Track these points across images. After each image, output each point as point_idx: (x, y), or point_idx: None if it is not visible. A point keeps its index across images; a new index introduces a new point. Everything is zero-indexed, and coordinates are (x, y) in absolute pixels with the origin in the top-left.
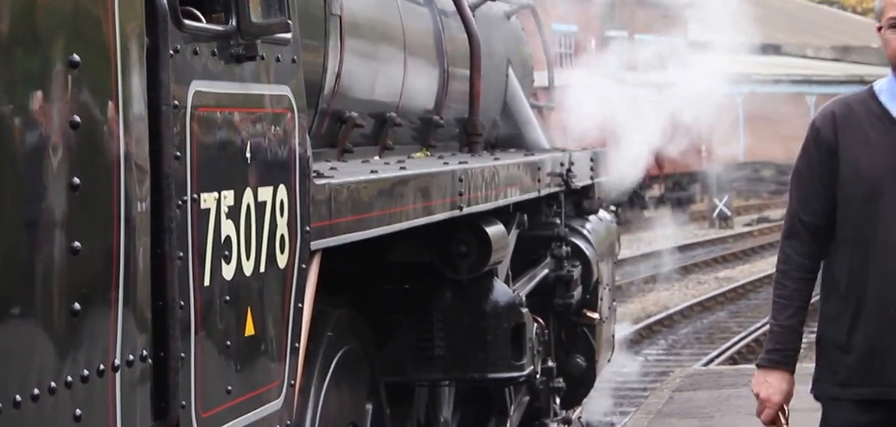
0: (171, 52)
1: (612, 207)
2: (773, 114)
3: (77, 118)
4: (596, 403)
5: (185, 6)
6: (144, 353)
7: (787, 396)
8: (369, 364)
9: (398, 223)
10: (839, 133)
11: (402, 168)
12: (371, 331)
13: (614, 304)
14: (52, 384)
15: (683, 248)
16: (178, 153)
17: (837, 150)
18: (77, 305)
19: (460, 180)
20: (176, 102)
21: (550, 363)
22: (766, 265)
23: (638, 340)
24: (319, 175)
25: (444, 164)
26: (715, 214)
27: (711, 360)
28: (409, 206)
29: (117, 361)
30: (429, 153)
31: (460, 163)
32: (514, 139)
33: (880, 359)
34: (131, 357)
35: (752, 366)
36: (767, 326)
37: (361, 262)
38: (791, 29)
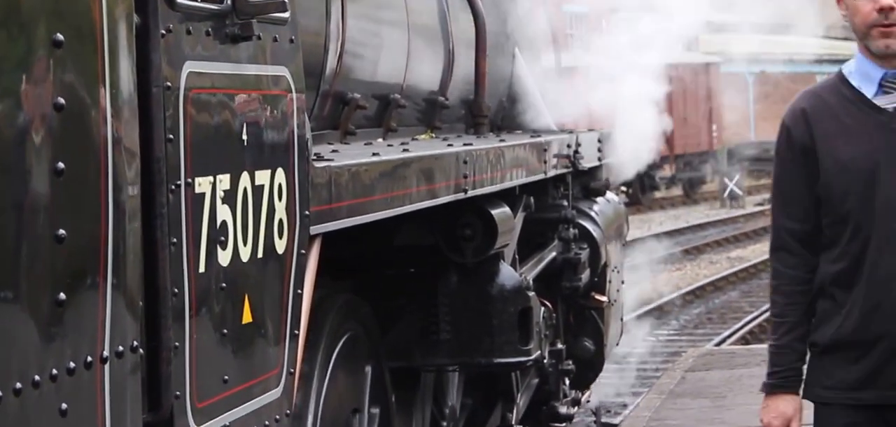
0: (163, 31)
1: (623, 188)
2: (785, 93)
3: (61, 100)
4: (607, 384)
5: None
6: (135, 343)
7: (789, 420)
8: (374, 350)
9: (401, 207)
10: (813, 129)
11: (405, 150)
12: (375, 316)
13: (623, 285)
14: (36, 377)
15: (695, 228)
16: (171, 136)
17: (814, 147)
18: (62, 295)
19: (465, 162)
20: (168, 84)
21: (560, 345)
22: None
23: (649, 320)
24: (319, 158)
25: (449, 145)
26: (726, 194)
27: (723, 340)
28: (412, 189)
29: (106, 353)
30: (434, 135)
31: (465, 145)
32: (520, 121)
33: (879, 361)
34: (121, 348)
35: (766, 345)
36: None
37: (365, 246)
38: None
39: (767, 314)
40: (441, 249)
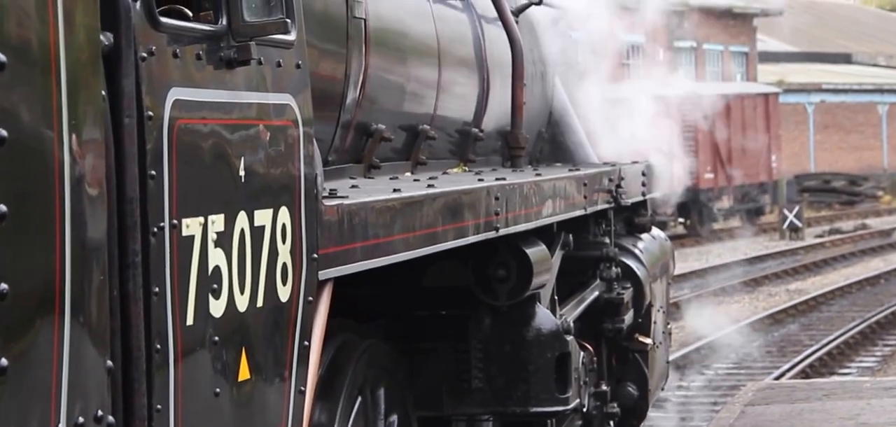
0: (144, 54)
1: (680, 219)
2: (845, 123)
3: (3, 131)
4: (664, 419)
5: (173, 3)
6: (100, 412)
7: None
8: (400, 398)
9: (424, 248)
10: None
11: (430, 185)
12: (403, 361)
13: (669, 327)
14: None
15: (753, 260)
16: (153, 173)
17: None
18: (4, 361)
19: (496, 198)
20: (149, 114)
21: (604, 387)
22: (839, 277)
23: (708, 354)
24: (332, 194)
25: (479, 180)
26: (785, 226)
27: (783, 374)
28: (437, 227)
29: (62, 426)
30: (467, 168)
31: (497, 179)
32: (560, 153)
33: None
34: (82, 419)
35: (827, 379)
36: (840, 339)
37: (393, 287)
38: (862, 38)
39: (828, 348)
40: (473, 291)
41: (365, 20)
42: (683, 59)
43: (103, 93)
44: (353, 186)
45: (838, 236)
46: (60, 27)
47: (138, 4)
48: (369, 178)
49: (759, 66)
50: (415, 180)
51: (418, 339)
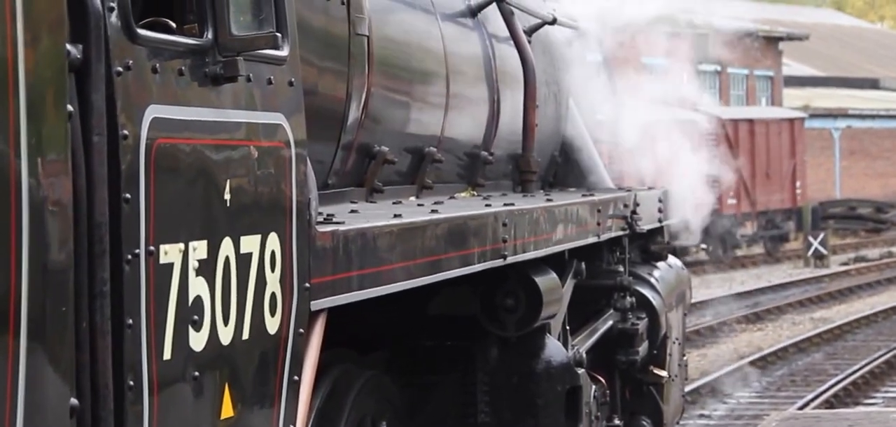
0: (119, 68)
1: (702, 245)
2: (872, 149)
3: None
4: None
5: (159, 16)
6: None
7: None
8: None
9: (426, 276)
10: None
11: (433, 211)
12: (406, 393)
13: (685, 359)
14: None
15: (777, 288)
16: (128, 196)
17: None
18: None
19: (504, 224)
20: (125, 132)
21: (617, 421)
22: (864, 306)
23: (730, 383)
24: (328, 220)
25: (486, 205)
26: (810, 253)
27: (807, 404)
28: (440, 254)
29: None
30: (475, 193)
31: (506, 204)
32: (574, 178)
33: None
34: None
35: (852, 409)
36: (866, 368)
37: (397, 316)
38: (890, 62)
39: (853, 377)
40: (480, 321)
41: (368, 37)
42: (707, 82)
43: (71, 109)
44: (352, 211)
45: (864, 264)
46: (19, 38)
47: (114, 15)
48: (371, 202)
49: (784, 91)
50: (418, 205)
51: (422, 371)
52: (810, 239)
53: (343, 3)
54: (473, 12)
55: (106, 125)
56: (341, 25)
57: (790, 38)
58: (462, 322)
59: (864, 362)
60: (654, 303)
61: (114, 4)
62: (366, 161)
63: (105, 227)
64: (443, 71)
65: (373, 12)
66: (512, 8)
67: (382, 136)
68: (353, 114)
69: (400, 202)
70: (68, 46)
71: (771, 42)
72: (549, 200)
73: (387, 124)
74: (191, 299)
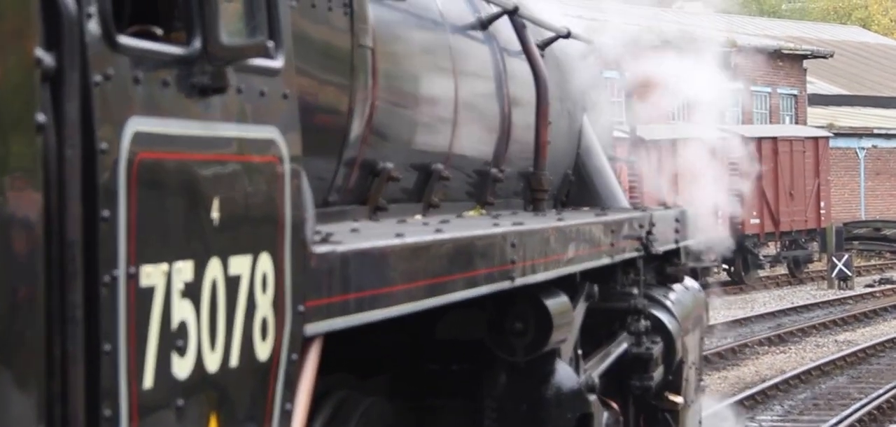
0: (98, 78)
1: (724, 265)
2: None
3: None
4: None
5: (146, 23)
6: None
7: None
8: None
9: (429, 299)
10: None
11: (438, 230)
12: (410, 420)
13: (702, 384)
14: None
15: (800, 309)
16: (106, 213)
17: None
18: None
19: (512, 245)
20: (103, 145)
21: None
22: (889, 328)
23: (753, 406)
24: (325, 239)
25: (494, 224)
26: (834, 274)
27: None
28: (445, 276)
29: None
30: (484, 211)
31: (515, 223)
32: (588, 197)
33: None
34: None
35: None
36: (891, 393)
37: (401, 339)
38: None
39: (878, 401)
40: (487, 345)
41: (372, 49)
42: (730, 100)
43: (43, 119)
44: (352, 230)
45: (889, 286)
46: None
47: (93, 22)
48: (374, 220)
49: (808, 109)
50: (423, 224)
51: (427, 396)
52: (834, 260)
53: (346, 14)
54: (484, 25)
55: (82, 138)
56: (344, 36)
57: (815, 55)
58: (469, 346)
59: (889, 386)
60: (670, 326)
61: (92, 11)
62: (369, 178)
63: (78, 246)
64: (451, 85)
65: (378, 23)
66: (524, 21)
67: (387, 152)
68: (356, 129)
69: (404, 221)
70: (40, 53)
71: (795, 59)
72: (559, 220)
73: (392, 140)
74: (175, 323)
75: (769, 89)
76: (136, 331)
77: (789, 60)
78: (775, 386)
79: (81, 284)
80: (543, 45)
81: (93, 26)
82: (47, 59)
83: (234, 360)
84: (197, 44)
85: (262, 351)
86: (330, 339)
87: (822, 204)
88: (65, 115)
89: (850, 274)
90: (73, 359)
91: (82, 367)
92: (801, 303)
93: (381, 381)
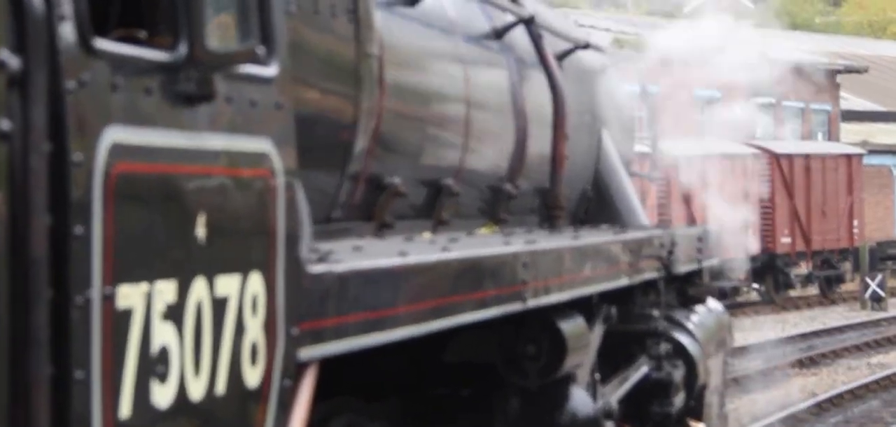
0: (72, 85)
1: (755, 286)
2: None
3: None
4: None
5: (131, 27)
6: None
7: None
8: None
9: (435, 321)
10: None
11: (445, 249)
12: None
13: (725, 410)
14: None
15: (832, 331)
16: (79, 230)
17: None
18: None
19: (524, 265)
20: (76, 156)
21: None
22: None
23: None
24: (324, 258)
25: (505, 243)
26: (867, 295)
27: None
28: (452, 297)
29: None
30: (497, 229)
31: (527, 242)
32: (607, 214)
33: None
34: None
35: None
36: None
37: (409, 362)
38: None
39: None
40: (499, 369)
41: (379, 59)
42: (761, 116)
43: (7, 127)
44: (355, 248)
45: None
46: None
47: (66, 24)
48: (379, 238)
49: (842, 125)
50: (430, 242)
51: (435, 422)
52: (867, 280)
53: (350, 21)
54: (499, 34)
55: (54, 148)
56: (349, 45)
57: (848, 70)
58: (480, 370)
59: None
60: (692, 350)
61: (66, 12)
62: (375, 193)
63: (43, 263)
64: (462, 96)
65: (385, 32)
66: (541, 30)
67: (394, 167)
68: (361, 142)
69: (411, 238)
70: (5, 56)
71: (829, 75)
72: (575, 239)
73: (399, 153)
74: (155, 348)
75: (802, 105)
76: (112, 356)
77: (823, 76)
78: (806, 410)
79: (47, 305)
80: (561, 56)
81: (66, 29)
82: (14, 62)
83: (220, 387)
84: (182, 49)
85: (252, 377)
86: (331, 361)
87: (855, 222)
88: (31, 122)
89: (883, 295)
90: (36, 384)
91: (47, 392)
92: (834, 324)
93: (387, 406)
